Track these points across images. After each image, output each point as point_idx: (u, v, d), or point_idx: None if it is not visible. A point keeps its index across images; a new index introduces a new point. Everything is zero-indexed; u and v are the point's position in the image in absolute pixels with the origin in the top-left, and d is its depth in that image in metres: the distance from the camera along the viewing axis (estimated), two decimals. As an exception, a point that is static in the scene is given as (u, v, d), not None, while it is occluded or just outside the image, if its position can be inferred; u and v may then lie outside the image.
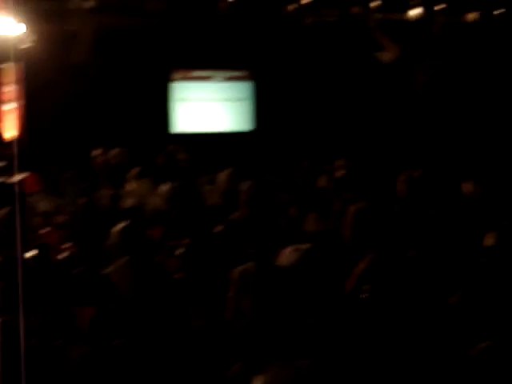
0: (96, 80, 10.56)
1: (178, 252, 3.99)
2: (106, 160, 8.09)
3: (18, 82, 9.96)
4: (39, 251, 4.35)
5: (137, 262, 3.61)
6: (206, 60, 11.18)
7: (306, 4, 10.98)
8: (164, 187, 6.21)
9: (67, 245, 5.16)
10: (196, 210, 5.28)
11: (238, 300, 3.26)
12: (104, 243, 4.45)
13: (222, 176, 6.32)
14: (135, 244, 3.67)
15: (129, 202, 6.41)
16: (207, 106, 11.46)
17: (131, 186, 7.04)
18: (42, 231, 5.45)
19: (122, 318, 3.21)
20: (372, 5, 10.88)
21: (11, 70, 9.28)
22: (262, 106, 11.46)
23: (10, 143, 8.75)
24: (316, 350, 2.42)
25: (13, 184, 5.91)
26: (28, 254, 4.66)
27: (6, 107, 9.88)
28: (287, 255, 3.22)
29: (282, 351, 2.48)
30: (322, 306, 2.87)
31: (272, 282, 3.11)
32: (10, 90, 9.76)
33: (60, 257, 4.73)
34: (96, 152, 8.41)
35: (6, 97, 9.92)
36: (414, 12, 11.24)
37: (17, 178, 8.15)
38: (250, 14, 10.96)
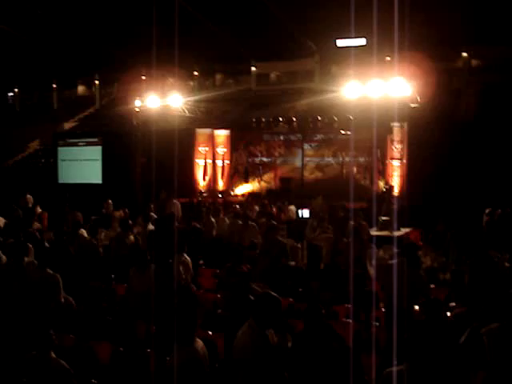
0: (479, 138, 10.29)
1: None
2: (491, 220, 7.69)
3: (403, 140, 10.45)
4: (429, 306, 4.28)
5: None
6: None
7: None
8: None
9: (453, 303, 4.96)
10: None
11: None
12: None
13: None
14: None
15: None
16: None
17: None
18: (429, 286, 5.38)
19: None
20: None
21: (400, 129, 9.80)
22: None
23: (393, 198, 9.16)
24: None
25: (401, 238, 6.09)
26: (416, 307, 4.66)
27: (395, 163, 10.50)
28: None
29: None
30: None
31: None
32: (398, 148, 10.32)
33: (447, 315, 4.56)
34: (487, 211, 8.11)
35: (394, 154, 10.53)
36: None
37: (399, 232, 8.44)
38: None
